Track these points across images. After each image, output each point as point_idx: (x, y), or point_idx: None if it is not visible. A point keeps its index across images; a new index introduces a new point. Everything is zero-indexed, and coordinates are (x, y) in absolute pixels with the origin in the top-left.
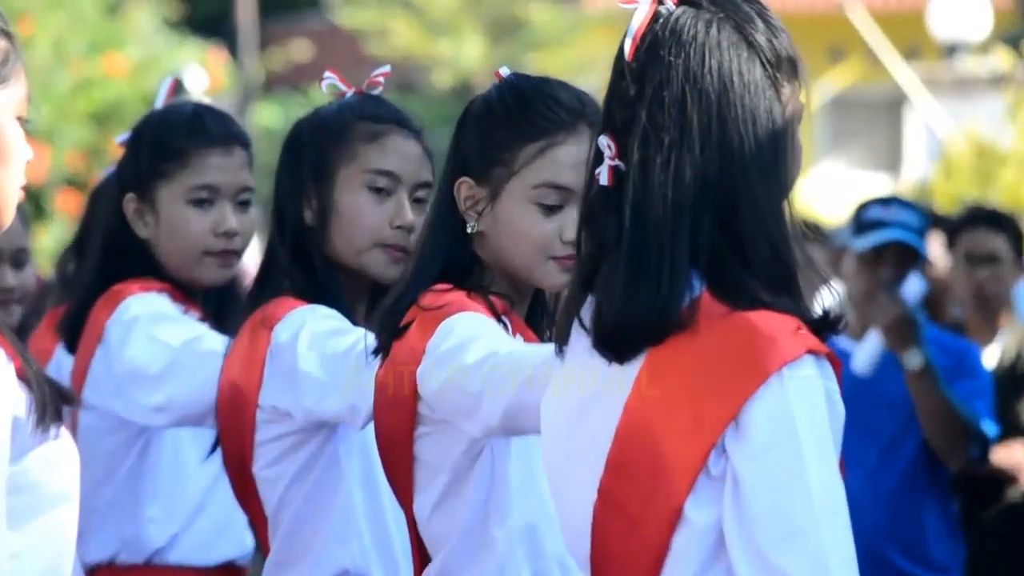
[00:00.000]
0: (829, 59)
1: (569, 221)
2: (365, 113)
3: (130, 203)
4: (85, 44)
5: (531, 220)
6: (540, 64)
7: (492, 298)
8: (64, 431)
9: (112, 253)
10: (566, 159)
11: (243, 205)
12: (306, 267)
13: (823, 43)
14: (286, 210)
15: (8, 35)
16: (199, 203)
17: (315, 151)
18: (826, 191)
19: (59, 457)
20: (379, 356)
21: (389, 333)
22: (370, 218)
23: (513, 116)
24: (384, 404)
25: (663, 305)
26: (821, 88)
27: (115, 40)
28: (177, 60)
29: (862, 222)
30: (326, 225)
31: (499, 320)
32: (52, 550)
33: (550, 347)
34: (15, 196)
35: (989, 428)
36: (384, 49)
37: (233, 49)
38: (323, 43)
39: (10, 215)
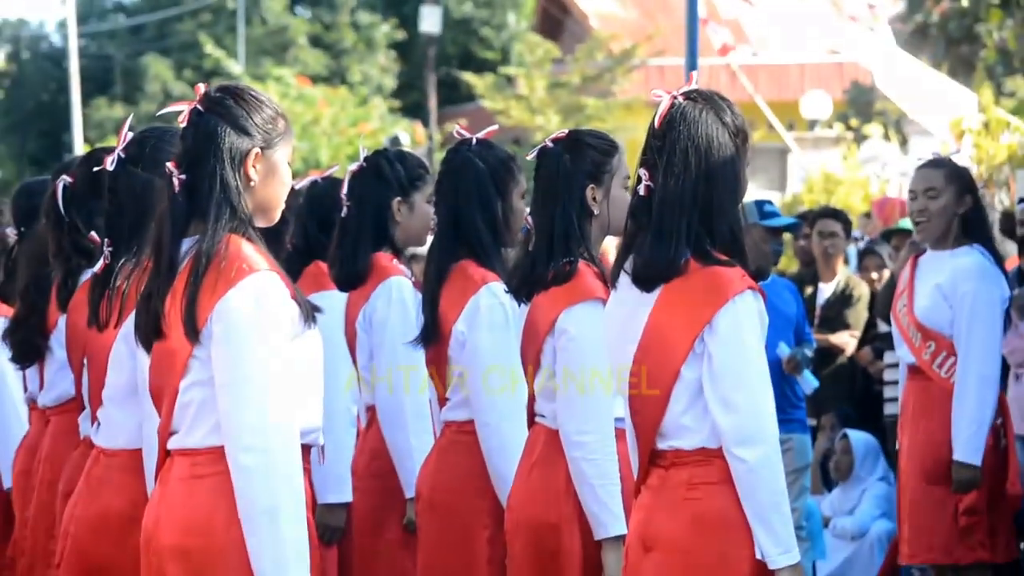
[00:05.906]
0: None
1: None
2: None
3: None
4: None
5: (624, 197)
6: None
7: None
8: (314, 329)
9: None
10: (626, 165)
11: None
12: None
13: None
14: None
15: (282, 115)
16: None
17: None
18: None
19: (312, 338)
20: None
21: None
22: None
23: (600, 148)
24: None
25: (671, 261)
26: None
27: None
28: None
29: (765, 211)
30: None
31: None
32: (310, 362)
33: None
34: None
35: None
36: (505, 121)
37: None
38: (472, 121)
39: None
